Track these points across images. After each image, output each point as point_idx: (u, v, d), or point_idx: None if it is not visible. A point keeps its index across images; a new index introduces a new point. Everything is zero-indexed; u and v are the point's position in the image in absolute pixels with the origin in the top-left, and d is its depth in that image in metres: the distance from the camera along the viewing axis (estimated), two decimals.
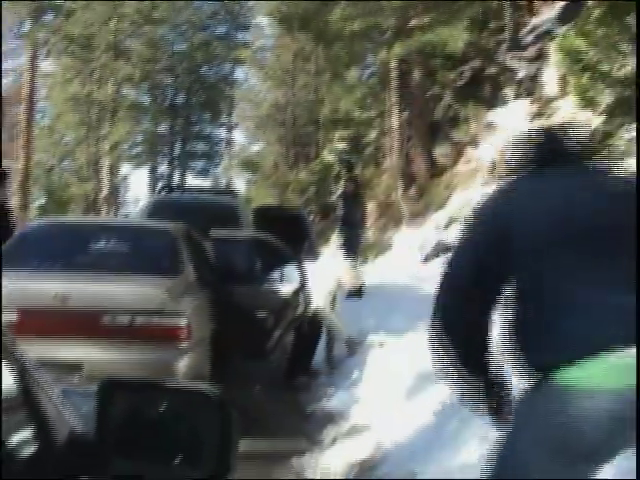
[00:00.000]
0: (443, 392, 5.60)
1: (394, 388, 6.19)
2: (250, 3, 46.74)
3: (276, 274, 7.95)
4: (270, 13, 37.84)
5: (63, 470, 1.72)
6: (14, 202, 24.88)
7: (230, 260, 7.96)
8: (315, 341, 8.66)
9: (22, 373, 1.69)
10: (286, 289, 7.38)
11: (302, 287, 7.68)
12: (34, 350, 4.59)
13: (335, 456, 5.57)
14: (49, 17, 37.22)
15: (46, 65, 44.67)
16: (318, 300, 8.11)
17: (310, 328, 8.18)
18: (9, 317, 5.51)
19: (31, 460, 1.69)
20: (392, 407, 5.85)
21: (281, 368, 8.11)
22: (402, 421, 5.47)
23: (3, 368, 1.67)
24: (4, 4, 37.14)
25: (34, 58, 36.56)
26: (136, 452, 1.73)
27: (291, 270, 7.82)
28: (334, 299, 8.69)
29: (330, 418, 6.47)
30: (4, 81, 49.78)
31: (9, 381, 1.70)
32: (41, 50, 38.04)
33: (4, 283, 6.01)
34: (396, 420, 5.59)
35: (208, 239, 7.73)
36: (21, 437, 1.73)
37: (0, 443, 1.48)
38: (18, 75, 47.17)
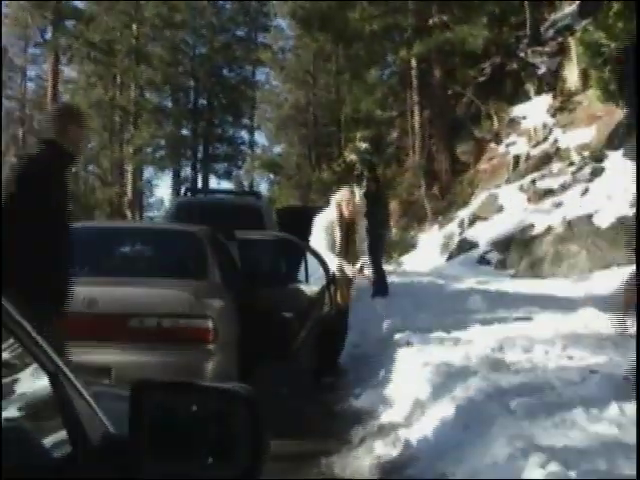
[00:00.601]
0: (471, 390, 5.61)
1: (422, 387, 6.19)
2: (269, 4, 46.76)
3: (301, 274, 7.96)
4: (290, 14, 37.96)
5: (97, 472, 1.75)
6: None
7: (255, 261, 8.00)
8: (341, 338, 8.67)
9: (56, 376, 1.71)
10: (311, 289, 7.39)
11: (327, 286, 7.70)
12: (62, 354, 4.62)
13: (364, 456, 5.57)
14: (70, 23, 37.40)
15: (69, 71, 45.05)
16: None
17: (335, 325, 8.17)
18: None
19: (66, 462, 1.71)
20: (420, 406, 5.85)
21: (308, 368, 8.11)
22: (430, 420, 5.46)
23: (39, 371, 1.70)
24: (26, 13, 37.51)
25: (56, 64, 36.82)
26: (169, 452, 1.75)
27: (316, 269, 7.83)
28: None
29: (358, 418, 6.47)
30: (29, 88, 50.43)
31: (44, 384, 1.73)
32: (63, 56, 38.30)
33: None
34: (424, 419, 5.59)
35: (233, 241, 7.76)
36: (56, 438, 1.76)
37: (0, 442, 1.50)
38: (42, 82, 47.68)
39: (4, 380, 1.67)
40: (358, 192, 9.24)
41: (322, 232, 8.58)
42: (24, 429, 1.74)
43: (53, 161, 4.87)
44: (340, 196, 8.82)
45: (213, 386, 1.94)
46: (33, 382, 1.78)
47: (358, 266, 8.82)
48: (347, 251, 8.73)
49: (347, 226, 8.76)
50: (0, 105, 36.78)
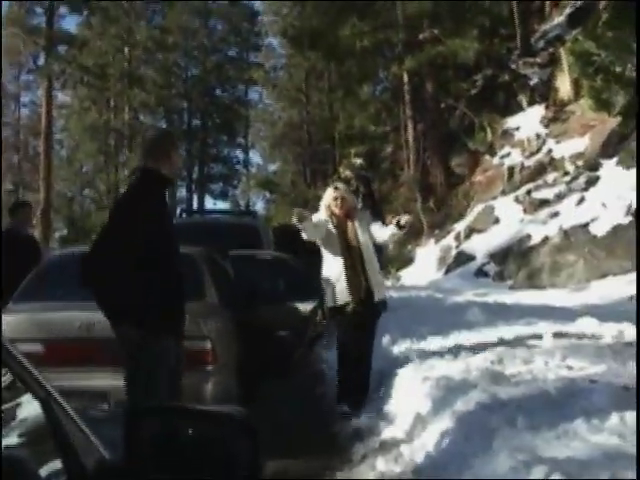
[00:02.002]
0: (471, 403, 5.60)
1: (422, 401, 6.17)
2: (260, 24, 47.00)
3: (297, 292, 7.94)
4: (281, 33, 38.11)
5: None
6: (36, 233, 25.05)
7: (252, 280, 7.98)
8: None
9: (49, 404, 1.71)
10: (305, 306, 7.39)
11: (320, 304, 7.70)
12: (60, 380, 4.62)
13: (366, 473, 5.55)
14: (63, 49, 37.52)
15: (62, 96, 45.15)
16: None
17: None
18: (34, 348, 5.56)
19: None
20: (421, 421, 5.83)
21: (305, 386, 8.09)
22: (432, 435, 5.45)
23: (31, 401, 1.69)
24: (19, 40, 37.62)
25: (50, 90, 36.88)
26: (165, 477, 1.74)
27: (310, 287, 7.83)
28: None
29: (359, 434, 6.45)
30: (23, 114, 50.51)
31: (37, 412, 1.72)
32: (57, 82, 38.38)
33: (29, 315, 6.08)
34: (426, 434, 5.57)
35: (229, 260, 7.76)
36: (51, 468, 1.75)
37: None
38: (36, 108, 47.75)
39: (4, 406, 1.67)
40: (343, 187, 7.97)
41: (311, 229, 7.34)
42: (19, 458, 1.73)
43: (155, 187, 5.00)
44: (327, 196, 7.71)
45: (209, 410, 1.94)
46: (29, 408, 1.78)
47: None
48: (350, 258, 7.43)
49: (342, 226, 7.53)
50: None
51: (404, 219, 7.54)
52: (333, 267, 7.46)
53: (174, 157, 5.11)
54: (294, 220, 7.23)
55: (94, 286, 4.80)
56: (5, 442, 1.64)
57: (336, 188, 7.74)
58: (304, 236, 7.38)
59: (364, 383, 7.50)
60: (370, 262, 7.54)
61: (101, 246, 4.90)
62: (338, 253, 7.44)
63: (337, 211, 7.56)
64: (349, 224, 7.57)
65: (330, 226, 7.50)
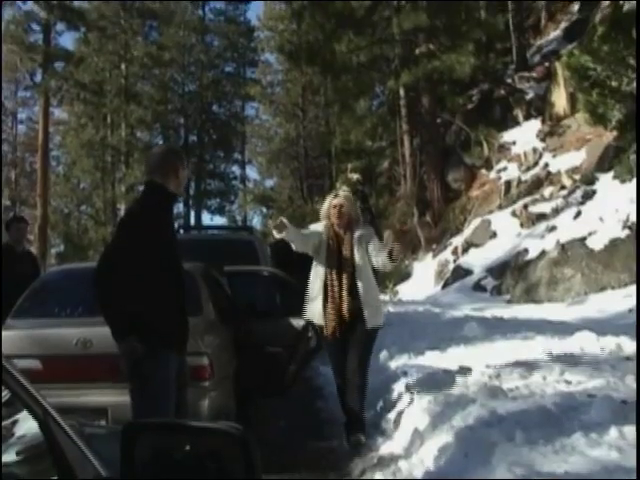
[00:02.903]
0: (469, 418, 5.59)
1: (420, 416, 6.16)
2: (257, 39, 47.18)
3: (293, 308, 7.91)
4: (277, 48, 38.26)
5: None
6: (33, 249, 25.03)
7: (248, 296, 7.98)
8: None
9: (46, 421, 1.70)
10: (300, 322, 7.37)
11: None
12: (58, 396, 4.60)
13: None
14: (60, 65, 37.59)
15: (59, 112, 45.25)
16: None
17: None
18: (32, 364, 5.55)
19: None
20: (419, 436, 5.81)
21: (303, 401, 8.07)
22: (430, 450, 5.43)
23: (29, 417, 1.69)
24: (16, 56, 37.70)
25: (47, 106, 36.93)
26: None
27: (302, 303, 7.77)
28: None
29: (357, 450, 6.43)
30: (20, 130, 50.58)
31: (34, 429, 1.71)
32: (54, 98, 38.45)
33: (27, 332, 6.06)
34: (424, 449, 5.56)
35: (225, 276, 7.76)
36: None
37: None
38: (32, 124, 47.83)
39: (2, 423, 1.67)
40: (345, 194, 7.06)
41: (298, 240, 6.70)
42: (17, 477, 1.73)
43: (161, 203, 5.02)
44: (326, 204, 6.94)
45: (205, 426, 1.93)
46: (27, 425, 1.78)
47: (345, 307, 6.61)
48: (339, 273, 6.66)
49: (338, 237, 6.76)
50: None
51: (396, 249, 6.63)
52: (316, 283, 6.73)
53: (181, 173, 5.12)
54: (273, 231, 6.57)
55: (101, 300, 4.82)
56: (3, 459, 1.64)
57: (336, 195, 6.92)
58: (293, 247, 6.70)
59: (356, 413, 6.60)
60: (366, 281, 6.68)
61: (108, 261, 4.91)
62: (324, 270, 6.67)
63: (335, 220, 6.76)
64: (346, 236, 6.74)
65: (325, 237, 6.74)
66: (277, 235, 6.50)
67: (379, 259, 6.67)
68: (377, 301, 6.99)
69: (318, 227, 6.93)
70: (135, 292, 4.75)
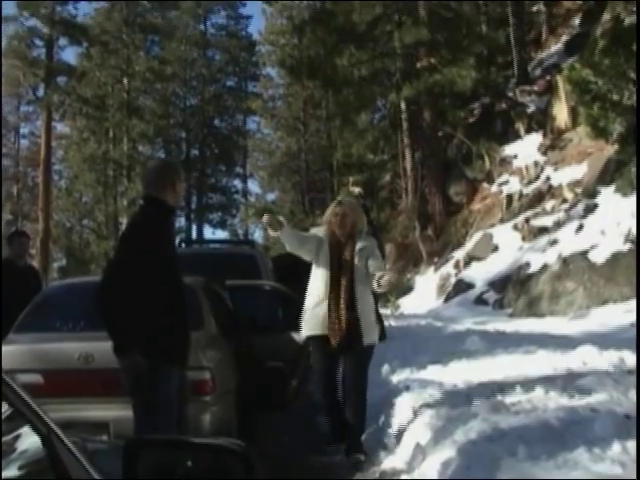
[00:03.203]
0: (472, 433, 5.57)
1: (422, 431, 6.14)
2: (258, 54, 47.35)
3: (294, 322, 7.90)
4: (279, 62, 38.37)
5: None
6: (35, 264, 25.04)
7: (250, 310, 7.98)
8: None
9: (48, 437, 1.70)
10: (299, 337, 7.35)
11: None
12: (60, 411, 4.60)
13: None
14: (62, 80, 37.73)
15: (61, 127, 45.37)
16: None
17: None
18: (34, 379, 5.55)
19: None
20: (421, 451, 5.80)
21: (304, 415, 8.06)
22: (432, 465, 5.41)
23: (31, 432, 1.69)
24: (18, 71, 37.85)
25: (49, 121, 37.06)
26: None
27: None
28: None
29: (359, 465, 6.41)
30: (22, 145, 50.69)
31: (37, 444, 1.71)
32: (56, 113, 38.56)
33: (29, 346, 6.06)
34: (426, 464, 5.54)
35: (227, 290, 7.76)
36: None
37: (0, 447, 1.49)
38: (35, 139, 47.95)
39: (3, 438, 1.67)
40: (349, 202, 6.82)
41: (294, 242, 6.48)
42: None
43: (160, 217, 5.04)
44: (328, 212, 6.69)
45: (207, 442, 1.93)
46: (29, 440, 1.77)
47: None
48: (339, 289, 6.37)
49: (340, 247, 6.48)
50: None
51: (385, 278, 6.20)
52: (314, 292, 6.45)
53: (178, 187, 5.15)
54: (266, 226, 6.40)
55: (104, 315, 4.83)
56: (5, 474, 1.63)
57: (339, 202, 6.64)
58: (287, 248, 6.46)
59: (355, 433, 6.49)
60: (363, 294, 6.40)
61: (110, 277, 4.92)
62: (326, 276, 6.37)
63: (337, 230, 6.47)
64: (348, 245, 6.46)
65: (326, 246, 6.44)
66: (272, 233, 6.37)
67: (371, 279, 6.33)
68: (373, 316, 6.62)
69: (319, 231, 6.67)
70: (137, 307, 4.76)
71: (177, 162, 45.29)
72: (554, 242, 16.99)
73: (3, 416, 1.67)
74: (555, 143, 22.45)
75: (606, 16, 19.49)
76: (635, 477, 4.27)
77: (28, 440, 1.76)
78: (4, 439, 1.70)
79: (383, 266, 6.72)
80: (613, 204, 15.97)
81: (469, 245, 21.71)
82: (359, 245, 6.49)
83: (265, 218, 6.40)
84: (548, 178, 21.34)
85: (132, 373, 4.82)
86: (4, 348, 5.72)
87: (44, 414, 1.71)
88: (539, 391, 6.84)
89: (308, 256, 6.51)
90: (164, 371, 4.83)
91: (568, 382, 7.06)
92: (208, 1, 48.72)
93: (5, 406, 1.66)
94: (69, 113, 40.27)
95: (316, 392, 6.64)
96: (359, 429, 6.53)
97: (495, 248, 20.04)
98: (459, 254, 21.95)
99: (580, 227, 16.46)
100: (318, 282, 6.45)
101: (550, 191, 20.71)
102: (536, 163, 22.55)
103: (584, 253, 15.09)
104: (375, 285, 6.24)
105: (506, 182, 23.49)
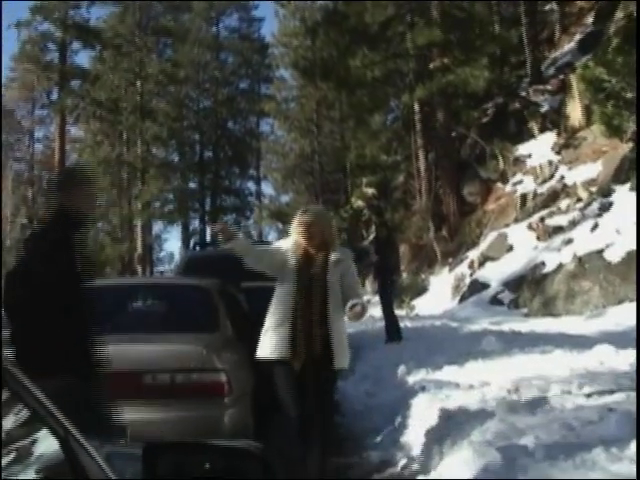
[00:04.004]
0: (488, 433, 5.56)
1: (439, 432, 6.13)
2: (272, 56, 47.42)
3: None
4: (292, 64, 38.41)
5: None
6: None
7: (265, 312, 7.98)
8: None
9: (66, 439, 1.71)
10: None
11: None
12: None
13: None
14: (76, 83, 37.92)
15: (75, 130, 45.57)
16: None
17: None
18: None
19: None
20: (438, 452, 5.79)
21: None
22: (449, 465, 5.40)
23: (48, 436, 1.69)
24: (32, 75, 38.05)
25: (63, 125, 37.23)
26: None
27: None
28: None
29: (375, 466, 6.41)
30: (37, 149, 50.94)
31: (54, 448, 1.72)
32: (70, 116, 38.74)
33: None
34: (443, 465, 5.53)
35: (242, 292, 7.77)
36: None
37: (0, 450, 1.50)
38: (49, 142, 48.17)
39: (20, 443, 1.67)
40: (318, 211, 6.11)
41: (251, 255, 5.74)
42: None
43: (60, 227, 4.69)
44: (295, 222, 5.86)
45: (225, 445, 1.93)
46: (46, 444, 1.78)
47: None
48: (308, 307, 5.58)
49: (308, 261, 5.69)
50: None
51: (357, 309, 5.40)
52: (278, 311, 5.66)
53: (77, 195, 4.63)
54: (215, 235, 5.87)
55: (15, 342, 4.52)
56: (22, 478, 1.64)
57: (305, 211, 5.89)
58: (246, 263, 5.76)
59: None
60: (336, 314, 5.59)
61: (16, 297, 4.64)
62: (293, 293, 5.59)
63: (304, 241, 5.70)
64: (319, 257, 5.69)
65: (293, 260, 5.68)
66: (224, 245, 5.64)
67: (345, 298, 5.56)
68: (345, 342, 5.69)
69: (284, 244, 5.93)
70: (48, 326, 4.44)
71: (189, 164, 45.46)
72: (569, 241, 16.93)
73: (21, 420, 1.68)
74: (569, 142, 22.37)
75: (619, 14, 19.42)
76: (635, 477, 4.26)
77: (45, 444, 1.77)
78: (21, 444, 1.71)
79: (359, 289, 5.95)
80: (628, 202, 15.89)
81: (483, 245, 21.65)
82: (333, 257, 5.69)
83: (215, 227, 5.87)
84: (562, 177, 21.26)
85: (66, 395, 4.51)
86: None
87: (62, 417, 1.72)
88: (556, 391, 6.83)
89: (270, 271, 5.81)
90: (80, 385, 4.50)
91: (585, 382, 7.04)
92: (221, 1, 48.77)
93: (23, 410, 1.67)
94: (83, 116, 40.47)
95: (287, 427, 5.66)
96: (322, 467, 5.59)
97: (510, 248, 19.98)
98: (474, 254, 21.90)
99: (595, 226, 16.40)
100: (283, 300, 5.64)
101: (565, 190, 20.63)
102: (550, 162, 22.47)
103: (600, 252, 15.04)
104: (347, 309, 5.47)
105: (520, 182, 23.41)
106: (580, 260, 15.36)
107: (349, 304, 5.42)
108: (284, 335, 5.50)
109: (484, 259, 20.73)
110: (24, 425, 1.70)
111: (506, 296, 17.83)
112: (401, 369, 9.26)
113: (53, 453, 1.78)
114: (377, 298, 14.31)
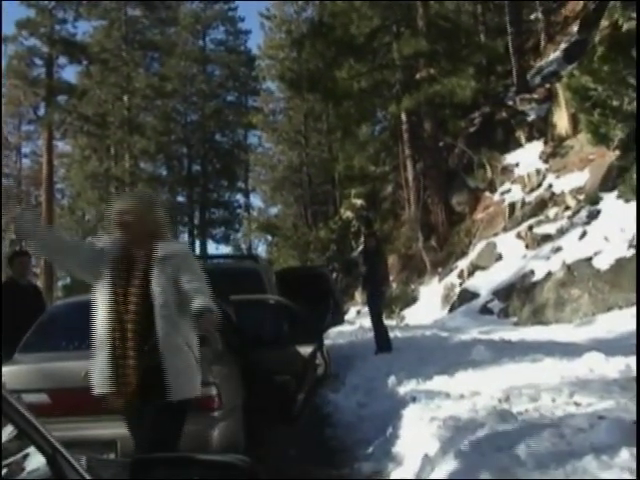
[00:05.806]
0: (479, 443, 5.55)
1: (430, 442, 6.12)
2: (258, 68, 47.51)
3: (299, 336, 7.88)
4: (279, 76, 38.47)
5: None
6: (39, 283, 25.06)
7: (255, 325, 7.96)
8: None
9: (53, 456, 1.70)
10: (307, 350, 7.34)
11: (319, 348, 7.63)
12: (67, 430, 4.58)
13: None
14: (63, 98, 37.86)
15: (63, 145, 45.48)
16: None
17: None
18: (41, 399, 5.54)
19: None
20: (429, 462, 5.78)
21: (312, 429, 8.03)
22: (441, 475, 5.39)
23: (36, 451, 1.69)
24: (19, 91, 37.98)
25: (51, 140, 37.14)
26: None
27: (309, 331, 7.71)
28: None
29: (367, 477, 6.39)
30: (24, 164, 50.79)
31: (42, 464, 1.71)
32: (57, 131, 38.67)
33: (35, 366, 6.06)
34: (434, 475, 5.52)
35: (232, 305, 7.74)
36: None
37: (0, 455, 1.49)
38: (37, 158, 48.05)
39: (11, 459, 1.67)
40: (138, 194, 5.10)
41: (58, 257, 4.76)
42: None
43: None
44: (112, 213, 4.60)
45: (215, 459, 1.93)
46: (37, 460, 1.77)
47: None
48: (123, 318, 4.42)
49: (127, 261, 4.47)
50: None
51: (207, 312, 4.32)
52: (96, 330, 4.52)
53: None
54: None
55: None
56: None
57: (120, 196, 4.45)
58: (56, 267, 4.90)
59: None
60: (168, 327, 4.40)
61: None
62: (109, 304, 4.44)
63: (120, 235, 4.53)
64: (141, 257, 4.48)
65: (109, 256, 4.49)
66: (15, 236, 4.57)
67: (185, 303, 4.39)
68: (189, 358, 4.55)
69: (101, 241, 4.72)
70: None
71: (178, 178, 45.41)
72: (558, 249, 16.98)
73: (10, 436, 1.68)
74: (556, 150, 22.46)
75: (604, 22, 19.52)
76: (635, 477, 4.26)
77: (36, 459, 1.76)
78: (12, 459, 1.71)
79: (204, 285, 4.53)
80: (616, 210, 15.97)
81: (473, 254, 21.70)
82: (161, 253, 4.46)
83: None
84: (550, 185, 21.34)
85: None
86: (10, 368, 5.72)
87: (49, 434, 1.71)
88: (546, 399, 6.83)
89: (81, 274, 4.78)
90: None
91: (575, 390, 7.05)
92: (207, 14, 48.85)
93: (10, 427, 1.67)
94: (70, 131, 40.38)
95: None
96: None
97: (499, 257, 20.03)
98: (463, 264, 21.94)
99: (584, 234, 16.45)
100: (100, 315, 4.51)
101: (552, 198, 20.70)
102: (538, 171, 22.56)
103: (588, 260, 15.09)
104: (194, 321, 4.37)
105: (508, 191, 23.49)
106: (569, 268, 15.40)
107: (194, 306, 4.29)
108: (101, 364, 4.45)
109: (473, 268, 20.78)
110: (15, 440, 1.70)
111: (496, 305, 17.86)
112: (392, 379, 9.25)
113: (46, 468, 1.78)
114: (366, 309, 14.32)
